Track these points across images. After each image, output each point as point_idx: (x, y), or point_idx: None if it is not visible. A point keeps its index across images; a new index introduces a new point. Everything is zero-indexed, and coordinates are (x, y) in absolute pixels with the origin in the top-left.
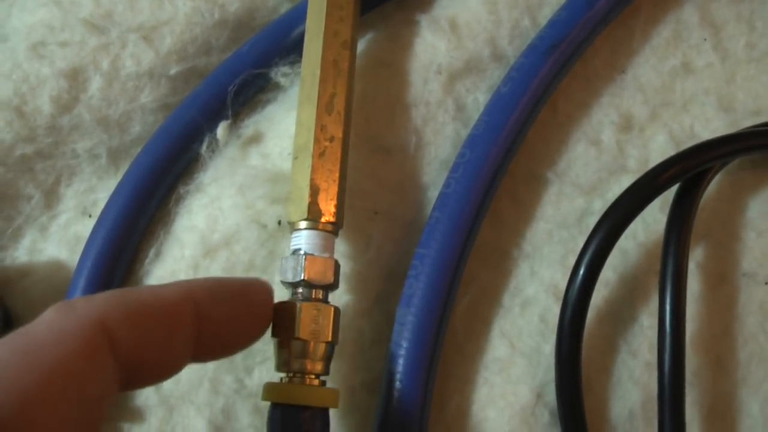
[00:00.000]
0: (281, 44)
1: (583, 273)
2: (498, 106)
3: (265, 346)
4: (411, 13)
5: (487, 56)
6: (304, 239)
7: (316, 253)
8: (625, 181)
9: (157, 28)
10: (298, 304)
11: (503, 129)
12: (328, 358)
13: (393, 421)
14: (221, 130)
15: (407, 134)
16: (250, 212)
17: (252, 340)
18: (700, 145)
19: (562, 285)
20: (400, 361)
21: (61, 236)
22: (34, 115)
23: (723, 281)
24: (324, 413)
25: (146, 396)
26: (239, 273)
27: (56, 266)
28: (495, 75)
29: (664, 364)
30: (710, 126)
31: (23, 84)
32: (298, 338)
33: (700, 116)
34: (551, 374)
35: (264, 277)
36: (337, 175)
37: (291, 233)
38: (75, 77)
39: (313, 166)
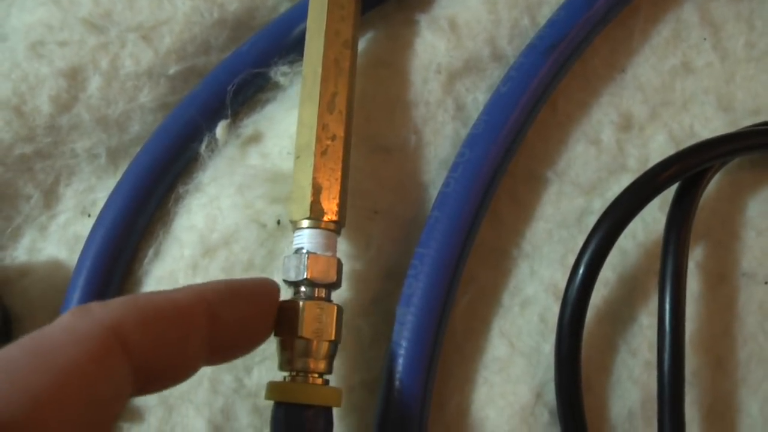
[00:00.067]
0: (281, 43)
1: (583, 272)
2: (497, 105)
3: (265, 345)
4: (411, 13)
5: (486, 56)
6: (306, 238)
7: (318, 252)
8: (625, 181)
9: (156, 28)
10: (301, 303)
11: (503, 128)
12: (331, 357)
13: (393, 421)
14: (220, 129)
15: (407, 133)
16: (249, 212)
17: (262, 340)
18: (699, 145)
19: (562, 284)
20: (400, 360)
21: (60, 236)
22: (33, 115)
23: (722, 281)
24: (327, 412)
25: (145, 396)
26: (238, 273)
27: (55, 266)
28: (494, 74)
29: (664, 364)
30: (710, 125)
31: (22, 83)
32: (301, 337)
33: (700, 115)
34: (551, 374)
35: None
36: (339, 173)
37: (293, 232)
38: (74, 77)
39: (315, 165)
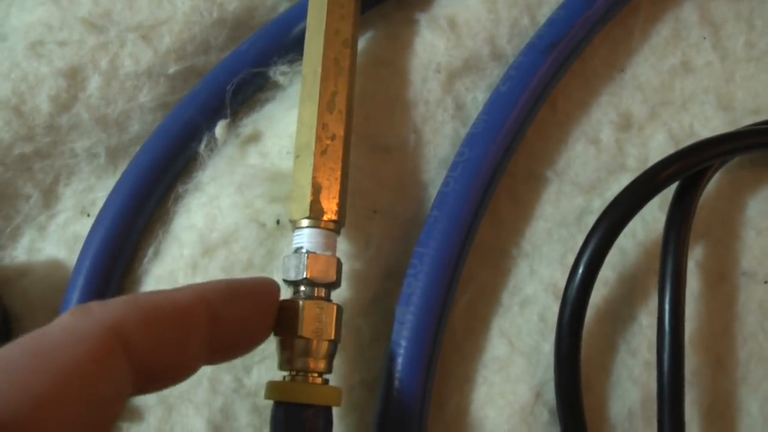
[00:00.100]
0: (280, 43)
1: (582, 272)
2: (497, 104)
3: (264, 344)
4: (410, 12)
5: (486, 55)
6: (306, 237)
7: (318, 252)
8: (625, 180)
9: (155, 27)
10: (301, 303)
11: (502, 128)
12: (330, 356)
13: (392, 420)
14: (220, 129)
15: (406, 133)
16: (248, 211)
17: (262, 339)
18: (699, 144)
19: (562, 284)
20: (399, 359)
21: (59, 235)
22: (33, 115)
23: (722, 280)
24: (327, 411)
25: (145, 395)
26: (238, 272)
27: (55, 265)
28: (494, 74)
29: (664, 363)
30: (709, 124)
31: (22, 83)
32: (300, 336)
33: (700, 115)
34: (550, 373)
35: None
36: (339, 173)
37: (293, 231)
38: (73, 76)
39: (314, 165)
